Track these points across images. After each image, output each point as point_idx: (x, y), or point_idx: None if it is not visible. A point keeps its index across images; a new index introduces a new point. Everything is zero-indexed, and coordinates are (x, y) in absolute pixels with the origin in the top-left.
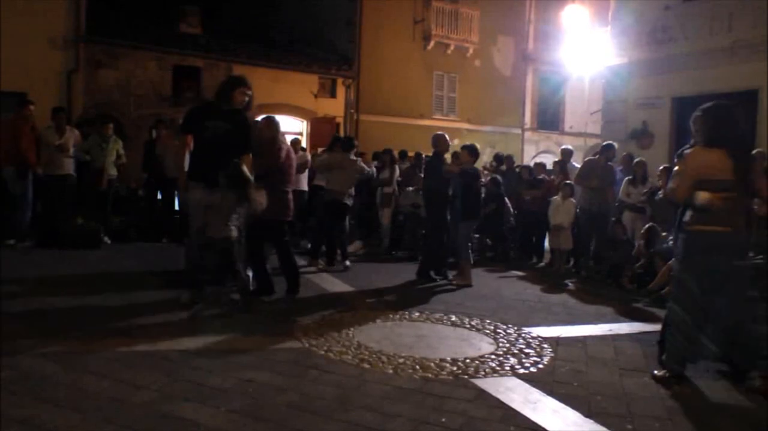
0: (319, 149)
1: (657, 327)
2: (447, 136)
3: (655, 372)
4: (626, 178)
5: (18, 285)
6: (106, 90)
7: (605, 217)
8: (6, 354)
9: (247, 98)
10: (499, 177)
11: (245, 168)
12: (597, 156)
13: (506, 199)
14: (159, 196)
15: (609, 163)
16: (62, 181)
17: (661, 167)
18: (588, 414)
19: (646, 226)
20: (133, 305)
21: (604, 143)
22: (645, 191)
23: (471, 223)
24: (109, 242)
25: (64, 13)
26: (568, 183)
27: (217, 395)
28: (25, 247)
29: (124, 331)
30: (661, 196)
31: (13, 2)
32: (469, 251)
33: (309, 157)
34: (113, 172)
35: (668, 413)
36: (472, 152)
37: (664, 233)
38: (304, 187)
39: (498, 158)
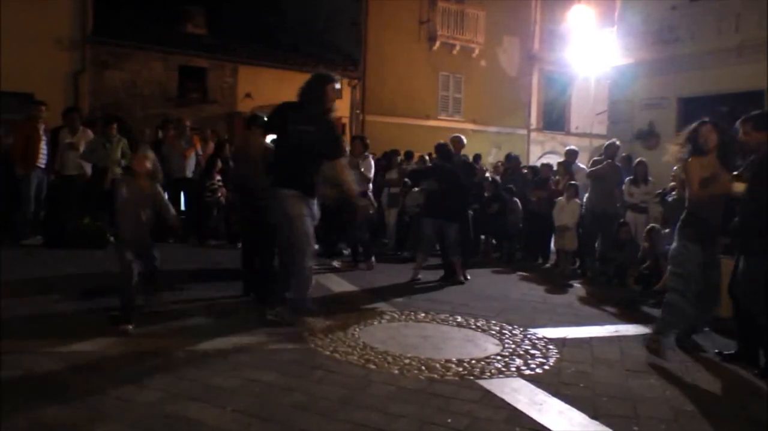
0: None
1: None
2: (462, 137)
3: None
4: (628, 178)
5: (24, 284)
6: (112, 90)
7: (611, 217)
8: (11, 352)
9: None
10: (498, 178)
11: (345, 175)
12: (603, 157)
13: (516, 200)
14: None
15: (617, 163)
16: (74, 180)
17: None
18: (594, 415)
19: (647, 227)
20: (137, 305)
21: (607, 143)
22: (658, 192)
23: (428, 221)
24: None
25: (71, 14)
26: (573, 184)
27: (223, 395)
28: (30, 246)
29: (129, 330)
30: (675, 197)
31: (20, 2)
32: (427, 248)
33: None
34: (117, 170)
35: (674, 415)
36: (437, 151)
37: (666, 231)
38: None
39: (509, 159)
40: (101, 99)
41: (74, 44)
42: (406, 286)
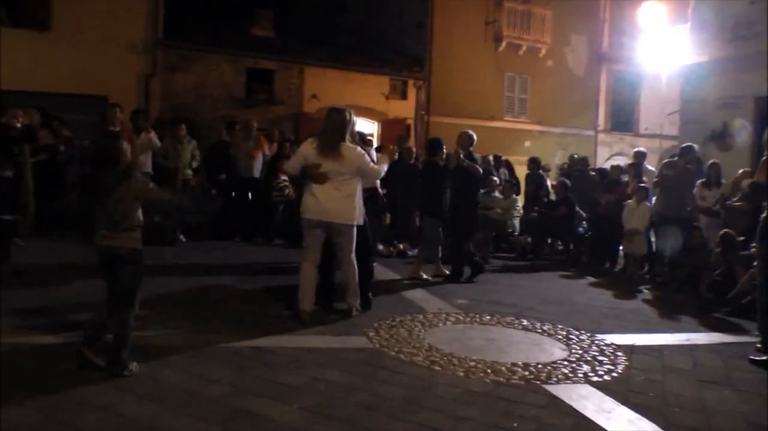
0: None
1: (738, 338)
2: (469, 132)
3: None
4: (699, 181)
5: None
6: (182, 93)
7: (682, 221)
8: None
9: None
10: (567, 181)
11: None
12: (675, 158)
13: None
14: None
15: (688, 165)
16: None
17: (741, 171)
18: (665, 426)
19: (721, 232)
20: (206, 301)
21: (684, 145)
22: (717, 197)
23: (433, 221)
24: (184, 239)
25: (143, 19)
26: (643, 186)
27: (289, 392)
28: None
29: (198, 326)
30: (735, 202)
31: (94, 8)
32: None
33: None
34: (188, 172)
35: (751, 430)
36: (429, 145)
37: (741, 238)
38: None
39: (583, 160)
40: (171, 101)
41: (146, 48)
42: (470, 288)
